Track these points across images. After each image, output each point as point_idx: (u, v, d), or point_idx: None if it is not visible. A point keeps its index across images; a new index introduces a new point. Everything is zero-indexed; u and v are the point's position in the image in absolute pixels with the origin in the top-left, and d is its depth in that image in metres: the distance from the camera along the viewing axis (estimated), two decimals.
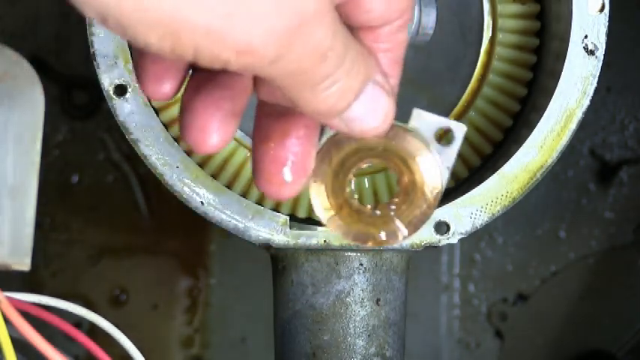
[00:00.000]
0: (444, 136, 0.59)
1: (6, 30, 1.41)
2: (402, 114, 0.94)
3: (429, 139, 0.58)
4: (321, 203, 0.59)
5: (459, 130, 0.59)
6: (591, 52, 0.86)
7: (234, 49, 0.47)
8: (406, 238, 0.60)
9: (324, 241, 0.86)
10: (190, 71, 0.57)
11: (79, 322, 0.90)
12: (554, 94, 0.86)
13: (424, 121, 0.59)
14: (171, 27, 0.46)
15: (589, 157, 1.42)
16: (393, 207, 0.59)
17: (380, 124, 0.56)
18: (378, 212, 0.59)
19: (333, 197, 0.59)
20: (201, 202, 0.86)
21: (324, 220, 0.59)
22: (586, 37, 0.86)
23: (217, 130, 0.55)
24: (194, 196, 0.86)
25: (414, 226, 0.59)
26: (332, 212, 0.59)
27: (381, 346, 0.89)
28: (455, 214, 0.86)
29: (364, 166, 0.59)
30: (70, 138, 1.43)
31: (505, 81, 0.94)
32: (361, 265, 0.88)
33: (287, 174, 0.56)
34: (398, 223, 0.59)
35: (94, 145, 1.43)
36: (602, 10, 0.85)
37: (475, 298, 1.44)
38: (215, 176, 0.89)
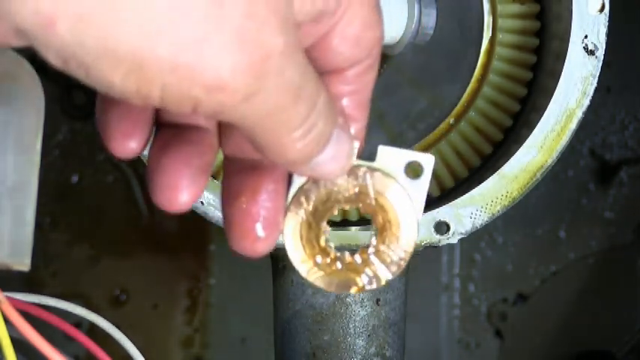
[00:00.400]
0: (412, 170, 0.57)
1: None
2: (402, 116, 0.94)
3: (397, 175, 0.57)
4: (298, 256, 0.57)
5: (428, 162, 0.57)
6: (591, 52, 0.86)
7: (203, 84, 0.45)
8: (390, 281, 0.57)
9: None
10: (155, 129, 0.56)
11: (79, 322, 0.90)
12: (554, 94, 0.86)
13: (390, 156, 0.57)
14: (135, 60, 0.44)
15: (589, 157, 1.42)
16: (372, 250, 0.57)
17: (344, 166, 0.55)
18: (357, 257, 0.58)
19: (310, 248, 0.57)
20: (201, 202, 0.86)
21: (303, 274, 0.57)
22: (586, 37, 0.86)
23: (187, 188, 0.54)
24: None
25: (397, 266, 0.57)
26: (310, 264, 0.57)
27: (381, 346, 0.89)
28: (455, 214, 0.86)
29: (336, 212, 0.57)
30: (70, 138, 1.43)
31: (505, 81, 0.94)
32: None
33: (259, 230, 0.55)
34: (379, 265, 0.57)
35: (94, 145, 1.43)
36: (602, 10, 0.85)
37: (475, 298, 1.44)
38: (215, 176, 0.89)
